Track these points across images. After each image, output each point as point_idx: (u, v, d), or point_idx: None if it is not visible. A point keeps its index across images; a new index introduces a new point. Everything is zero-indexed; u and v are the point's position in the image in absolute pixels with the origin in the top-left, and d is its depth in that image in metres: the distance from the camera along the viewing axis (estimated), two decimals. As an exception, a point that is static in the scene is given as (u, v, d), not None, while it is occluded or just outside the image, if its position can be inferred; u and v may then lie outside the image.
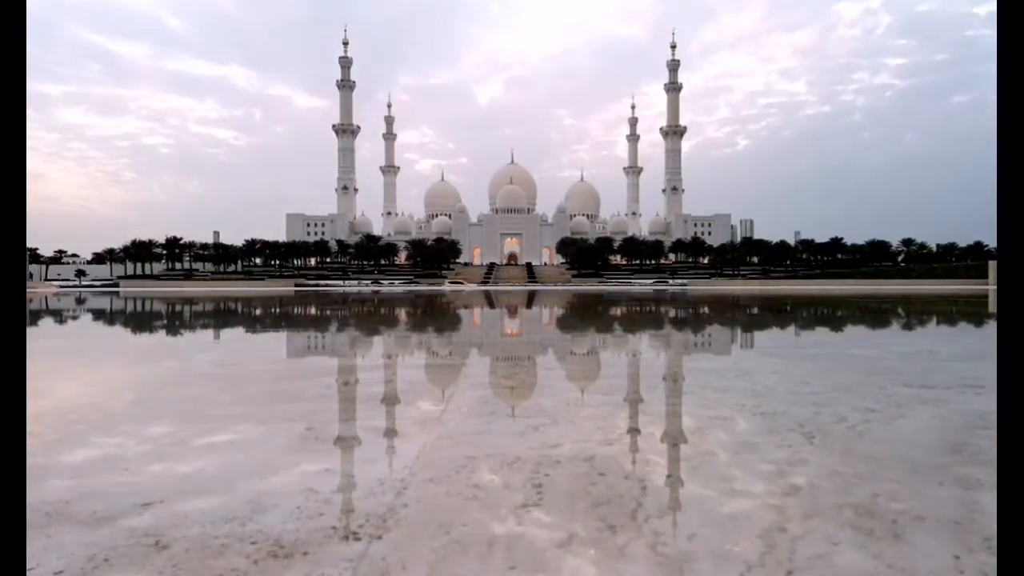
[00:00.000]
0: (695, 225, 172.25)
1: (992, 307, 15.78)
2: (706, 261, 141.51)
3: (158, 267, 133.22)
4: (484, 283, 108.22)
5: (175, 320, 13.42)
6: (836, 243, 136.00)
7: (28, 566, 1.48)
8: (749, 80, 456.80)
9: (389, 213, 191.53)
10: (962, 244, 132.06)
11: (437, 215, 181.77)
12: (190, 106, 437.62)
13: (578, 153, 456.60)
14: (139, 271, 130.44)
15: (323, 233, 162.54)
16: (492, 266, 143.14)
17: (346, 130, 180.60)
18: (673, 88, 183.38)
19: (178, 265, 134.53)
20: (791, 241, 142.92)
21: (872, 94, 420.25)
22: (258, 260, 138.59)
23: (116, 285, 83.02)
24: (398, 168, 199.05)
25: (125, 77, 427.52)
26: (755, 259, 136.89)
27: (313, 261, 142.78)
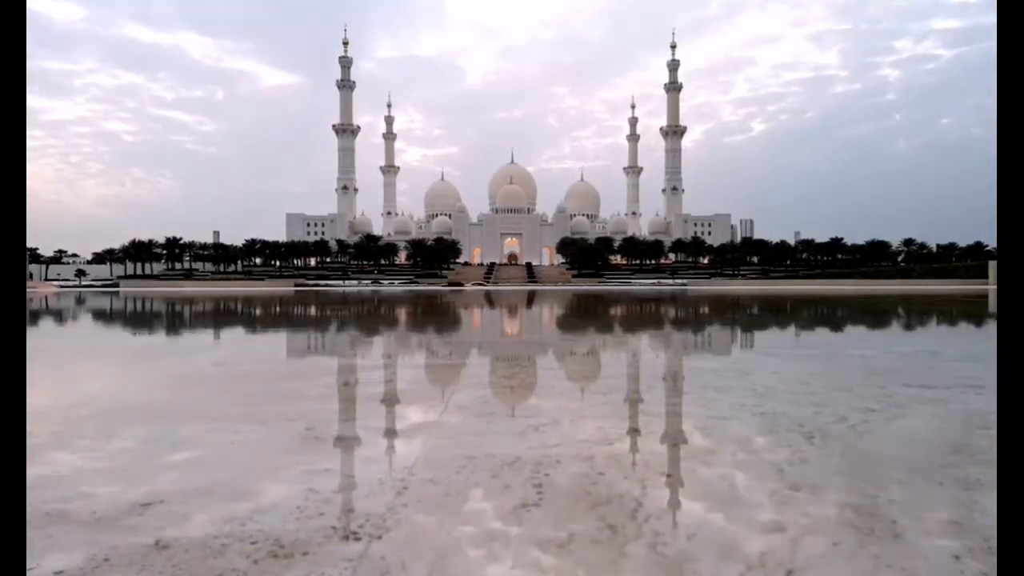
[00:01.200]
0: (695, 225, 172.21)
1: (992, 307, 15.78)
2: (706, 261, 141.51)
3: (158, 267, 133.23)
4: (484, 283, 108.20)
5: (175, 320, 13.42)
6: (836, 243, 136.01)
7: (28, 566, 1.48)
8: (775, 49, 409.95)
9: (389, 213, 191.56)
10: (962, 244, 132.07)
11: (437, 215, 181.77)
12: (140, 83, 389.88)
13: (580, 141, 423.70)
14: (139, 271, 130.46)
15: (323, 233, 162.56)
16: (492, 266, 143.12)
17: (346, 130, 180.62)
18: (673, 88, 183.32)
19: (178, 265, 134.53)
20: (791, 241, 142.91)
21: (910, 67, 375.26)
22: (258, 260, 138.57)
23: (116, 285, 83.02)
24: (398, 168, 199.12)
25: (61, 46, 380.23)
26: (755, 259, 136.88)
27: (313, 261, 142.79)
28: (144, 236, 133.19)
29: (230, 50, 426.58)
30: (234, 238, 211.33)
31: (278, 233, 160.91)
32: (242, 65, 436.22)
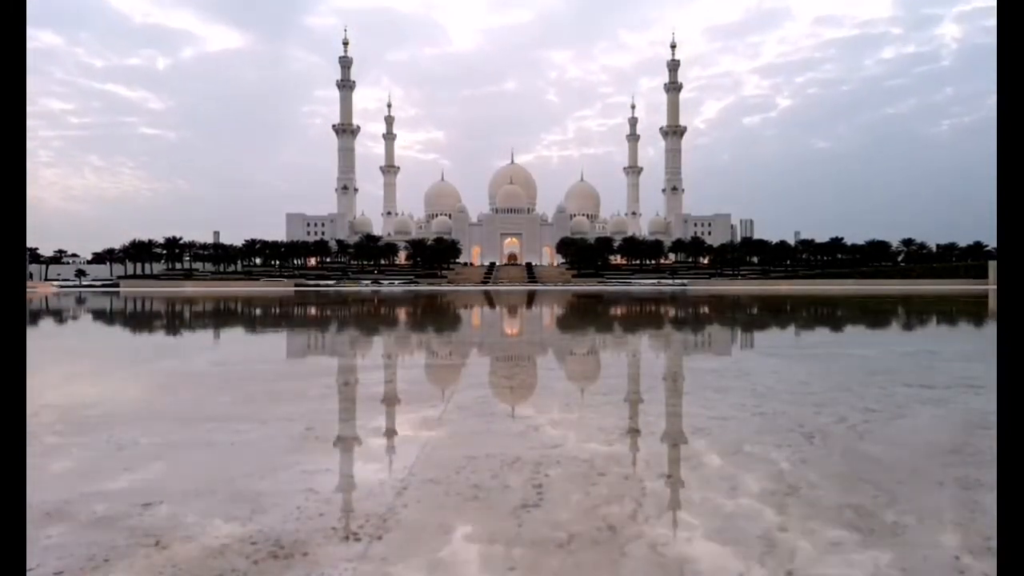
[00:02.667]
0: (695, 225, 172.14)
1: (992, 307, 15.78)
2: (706, 261, 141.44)
3: (158, 267, 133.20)
4: (484, 283, 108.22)
5: (175, 320, 13.42)
6: (836, 243, 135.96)
7: (28, 566, 1.48)
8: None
9: (389, 213, 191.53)
10: (962, 244, 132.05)
11: (437, 215, 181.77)
12: (59, 46, 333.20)
13: (584, 122, 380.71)
14: (139, 271, 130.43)
15: (323, 233, 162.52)
16: (492, 266, 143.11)
17: (346, 130, 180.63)
18: (673, 88, 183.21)
19: (178, 265, 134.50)
20: (791, 241, 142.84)
21: (976, 20, 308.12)
22: (258, 260, 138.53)
23: (116, 285, 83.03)
24: (398, 168, 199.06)
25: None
26: (755, 259, 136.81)
27: (313, 261, 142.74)
28: (144, 236, 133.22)
29: (161, 2, 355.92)
30: (234, 238, 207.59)
31: (278, 233, 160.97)
32: (179, 21, 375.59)
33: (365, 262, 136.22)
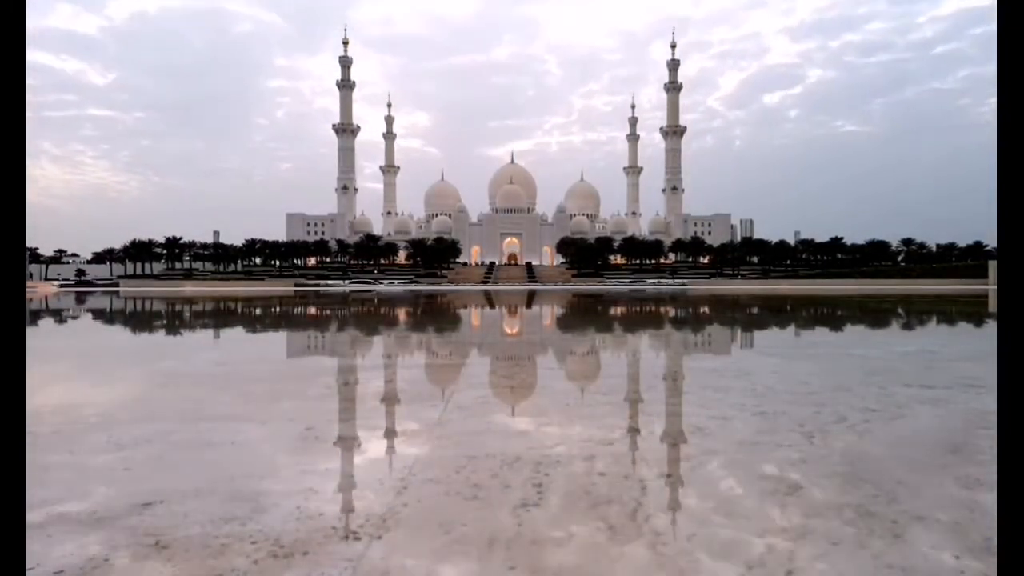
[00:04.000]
0: (695, 225, 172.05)
1: (992, 307, 15.78)
2: (706, 261, 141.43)
3: (158, 267, 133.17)
4: (484, 283, 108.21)
5: (175, 320, 13.42)
6: (836, 243, 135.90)
7: (28, 566, 1.48)
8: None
9: (389, 213, 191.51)
10: (962, 244, 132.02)
11: (437, 215, 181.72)
12: None
13: (592, 100, 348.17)
14: (139, 271, 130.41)
15: (323, 233, 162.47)
16: (492, 265, 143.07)
17: (346, 130, 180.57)
18: (673, 88, 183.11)
19: (178, 265, 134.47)
20: (791, 241, 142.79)
21: None
22: (258, 260, 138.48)
23: (116, 285, 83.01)
24: (398, 168, 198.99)
25: None
26: (755, 259, 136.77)
27: (313, 261, 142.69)
28: (144, 236, 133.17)
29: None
30: (234, 238, 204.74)
31: (278, 233, 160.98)
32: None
33: (365, 262, 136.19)
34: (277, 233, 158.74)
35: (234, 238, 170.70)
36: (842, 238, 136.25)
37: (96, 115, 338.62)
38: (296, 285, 75.50)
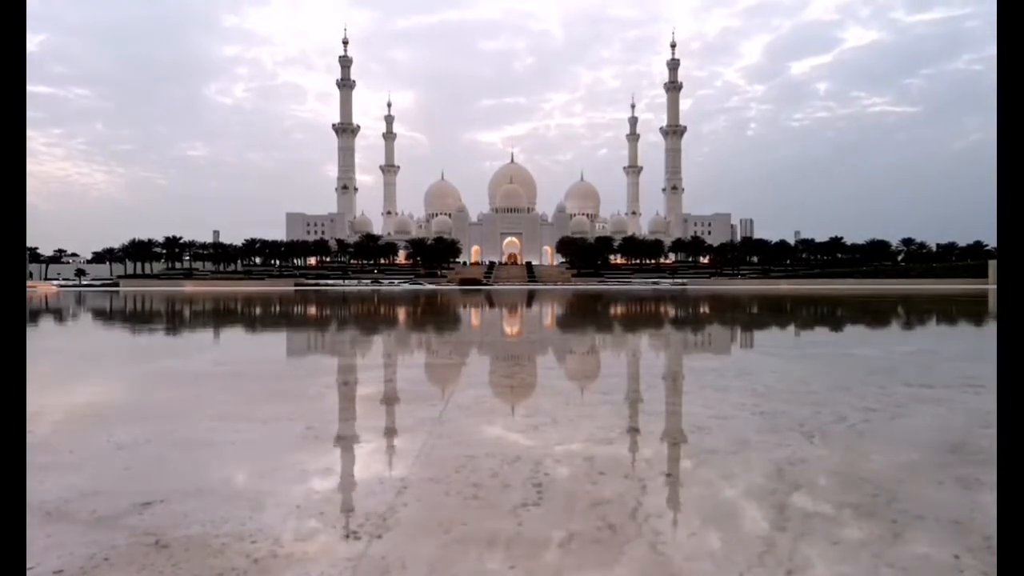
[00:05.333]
0: (695, 225, 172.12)
1: (992, 307, 15.78)
2: (706, 261, 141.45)
3: (158, 266, 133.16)
4: (484, 282, 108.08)
5: (175, 319, 13.42)
6: (836, 243, 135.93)
7: (28, 566, 1.48)
8: None
9: (389, 212, 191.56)
10: (962, 244, 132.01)
11: (437, 214, 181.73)
12: None
13: (600, 70, 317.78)
14: (139, 270, 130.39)
15: (323, 233, 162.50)
16: (492, 265, 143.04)
17: (346, 129, 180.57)
18: (673, 88, 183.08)
19: (178, 264, 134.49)
20: (791, 240, 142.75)
21: None
22: (258, 259, 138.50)
23: (116, 284, 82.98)
24: (398, 167, 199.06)
25: None
26: (755, 258, 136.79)
27: (313, 260, 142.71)
28: (143, 235, 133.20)
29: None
30: (234, 237, 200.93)
31: (278, 232, 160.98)
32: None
33: (365, 261, 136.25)
34: (277, 232, 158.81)
35: (234, 238, 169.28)
36: (842, 238, 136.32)
37: (41, 92, 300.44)
38: (296, 285, 75.51)
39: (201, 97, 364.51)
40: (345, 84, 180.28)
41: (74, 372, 5.37)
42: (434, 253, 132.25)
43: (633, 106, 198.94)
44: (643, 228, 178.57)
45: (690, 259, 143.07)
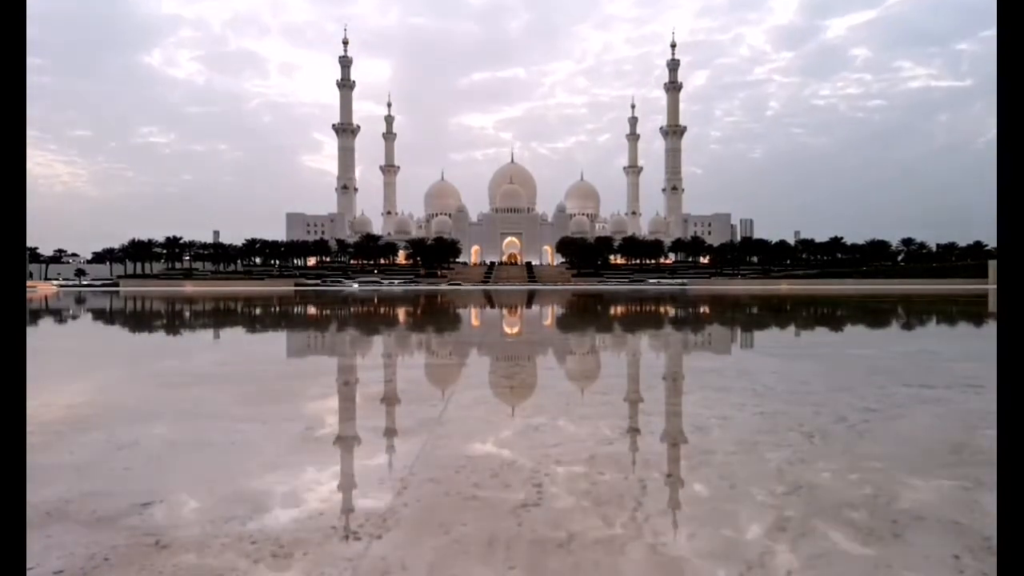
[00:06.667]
0: (695, 225, 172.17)
1: (992, 307, 15.78)
2: (706, 261, 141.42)
3: (158, 266, 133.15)
4: (484, 282, 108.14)
5: (175, 320, 13.41)
6: (836, 243, 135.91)
7: (28, 566, 1.48)
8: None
9: (389, 212, 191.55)
10: (962, 244, 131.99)
11: (437, 214, 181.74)
12: None
13: (610, 29, 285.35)
14: (139, 270, 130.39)
15: (323, 233, 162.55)
16: (492, 265, 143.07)
17: (346, 129, 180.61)
18: (673, 88, 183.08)
19: (178, 264, 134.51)
20: (791, 241, 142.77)
21: None
22: (258, 260, 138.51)
23: (116, 284, 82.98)
24: (398, 168, 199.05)
25: None
26: (755, 259, 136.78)
27: (313, 260, 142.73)
28: (143, 235, 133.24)
29: None
30: (233, 237, 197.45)
31: (278, 232, 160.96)
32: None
33: (365, 261, 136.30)
34: (276, 232, 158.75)
35: (234, 238, 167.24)
36: (842, 238, 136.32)
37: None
38: (296, 285, 75.45)
39: (144, 69, 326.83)
40: (345, 84, 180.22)
41: (74, 372, 5.37)
42: (434, 253, 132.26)
43: (633, 106, 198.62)
44: (643, 228, 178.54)
45: (690, 259, 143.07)
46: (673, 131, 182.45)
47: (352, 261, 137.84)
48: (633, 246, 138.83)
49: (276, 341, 8.68)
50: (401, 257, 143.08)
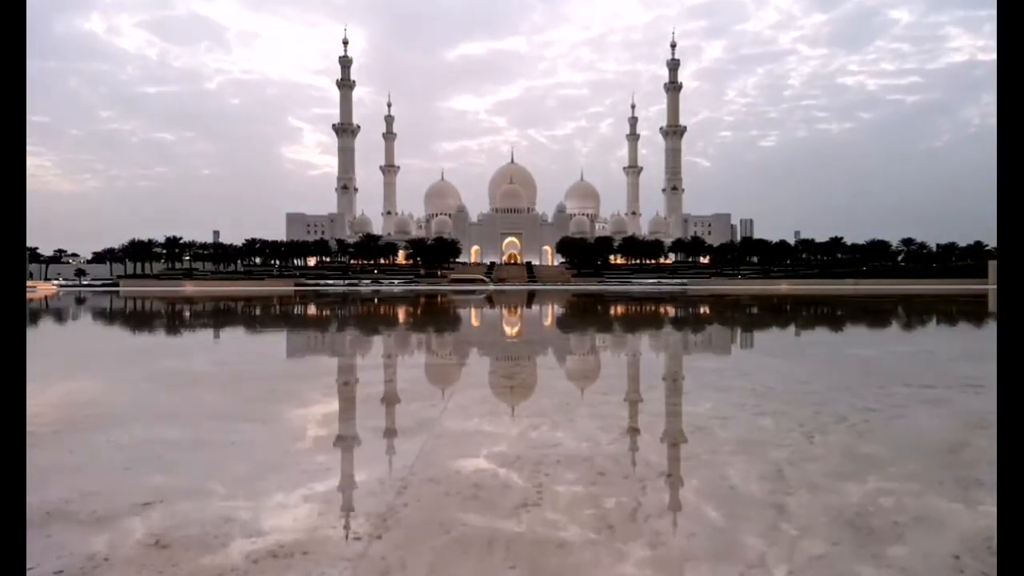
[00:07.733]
0: (695, 225, 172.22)
1: (992, 307, 15.77)
2: (706, 261, 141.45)
3: (158, 266, 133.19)
4: (485, 281, 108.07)
5: (175, 320, 13.41)
6: (836, 243, 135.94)
7: (28, 566, 1.48)
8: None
9: (389, 212, 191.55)
10: (962, 244, 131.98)
11: (437, 214, 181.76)
12: None
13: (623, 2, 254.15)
14: (139, 270, 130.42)
15: (323, 233, 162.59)
16: (492, 265, 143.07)
17: (346, 129, 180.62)
18: (673, 88, 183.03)
19: (178, 264, 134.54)
20: (791, 241, 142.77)
21: None
22: (258, 260, 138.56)
23: (116, 284, 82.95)
24: (398, 168, 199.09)
25: None
26: (755, 259, 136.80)
27: (313, 261, 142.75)
28: (144, 235, 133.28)
29: None
30: (234, 237, 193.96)
31: (278, 232, 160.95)
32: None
33: (365, 261, 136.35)
34: (277, 232, 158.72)
35: (235, 238, 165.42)
36: (842, 238, 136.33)
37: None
38: (296, 285, 75.37)
39: (87, 38, 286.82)
40: (344, 84, 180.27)
41: (74, 373, 5.37)
42: (434, 253, 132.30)
43: (633, 106, 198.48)
44: (643, 228, 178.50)
45: (690, 259, 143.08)
46: (673, 131, 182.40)
47: (352, 261, 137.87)
48: (633, 246, 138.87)
49: (276, 341, 8.68)
50: (401, 257, 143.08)
